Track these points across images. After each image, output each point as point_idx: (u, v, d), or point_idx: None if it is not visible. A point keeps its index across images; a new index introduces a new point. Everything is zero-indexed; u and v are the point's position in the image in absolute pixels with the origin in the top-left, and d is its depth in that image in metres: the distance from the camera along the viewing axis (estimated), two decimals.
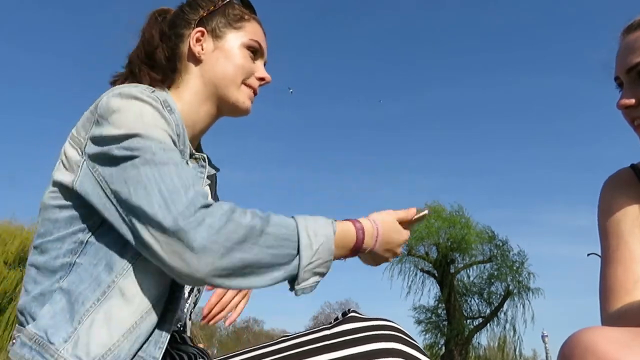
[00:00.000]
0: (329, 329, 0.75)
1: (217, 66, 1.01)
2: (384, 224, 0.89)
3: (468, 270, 18.95)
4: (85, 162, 0.83)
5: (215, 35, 1.03)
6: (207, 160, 0.98)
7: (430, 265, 18.80)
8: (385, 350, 0.70)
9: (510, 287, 18.09)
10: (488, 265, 18.77)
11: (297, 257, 0.76)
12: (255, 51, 1.05)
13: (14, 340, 0.83)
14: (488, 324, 18.17)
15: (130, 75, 1.02)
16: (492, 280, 18.60)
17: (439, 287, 18.55)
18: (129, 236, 0.77)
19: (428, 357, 0.73)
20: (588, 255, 17.58)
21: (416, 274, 18.81)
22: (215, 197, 1.15)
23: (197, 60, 1.02)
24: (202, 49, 1.02)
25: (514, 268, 18.13)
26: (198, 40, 1.02)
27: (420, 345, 0.74)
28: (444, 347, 18.07)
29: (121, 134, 0.79)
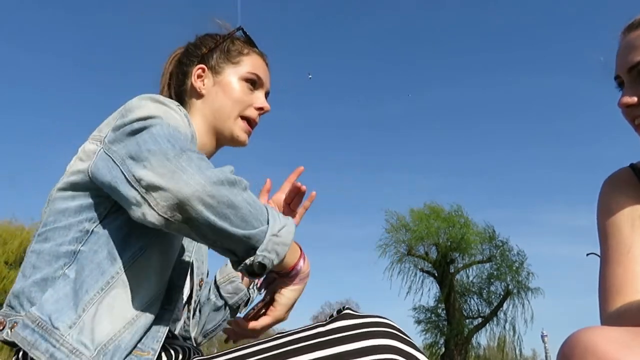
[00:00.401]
0: (323, 326, 0.75)
1: (216, 100, 1.08)
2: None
3: (468, 270, 18.98)
4: (102, 149, 0.87)
5: (215, 71, 1.11)
6: None
7: (430, 265, 18.81)
8: (380, 347, 0.71)
9: (510, 287, 18.11)
10: (488, 265, 18.80)
11: (267, 226, 0.77)
12: (253, 83, 1.11)
13: (3, 326, 0.82)
14: (488, 324, 18.18)
15: None
16: (492, 280, 18.62)
17: (438, 287, 18.57)
18: (127, 191, 0.76)
19: (423, 354, 0.73)
20: (587, 255, 17.60)
21: (416, 274, 18.85)
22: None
23: (199, 95, 1.10)
24: (203, 85, 1.10)
25: (514, 268, 18.14)
26: (200, 76, 1.11)
27: (420, 345, 0.74)
28: (443, 347, 18.08)
29: (143, 115, 0.85)
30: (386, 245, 18.71)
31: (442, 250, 18.37)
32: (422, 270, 18.83)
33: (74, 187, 0.91)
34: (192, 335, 1.12)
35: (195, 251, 1.06)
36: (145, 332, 0.83)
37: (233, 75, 1.10)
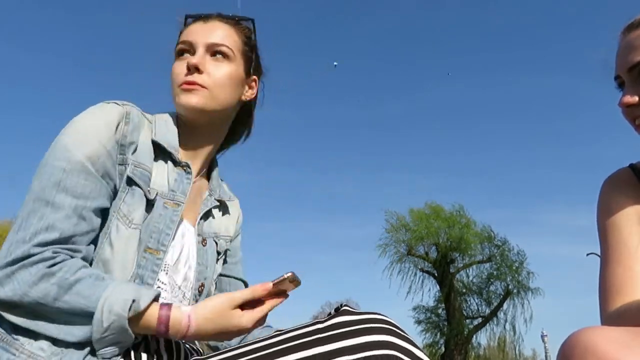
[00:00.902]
0: (321, 323, 0.75)
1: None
2: (206, 323, 0.85)
3: (468, 270, 18.99)
4: None
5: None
6: (191, 166, 1.03)
7: (430, 265, 18.81)
8: (378, 343, 0.71)
9: (510, 287, 18.12)
10: (487, 265, 18.80)
11: (90, 325, 0.79)
12: (181, 52, 1.06)
13: None
14: (487, 324, 18.19)
15: None
16: (492, 280, 18.63)
17: (438, 287, 18.57)
18: None
19: (420, 350, 0.73)
20: (587, 255, 17.60)
21: (416, 274, 18.85)
22: (235, 231, 1.20)
23: None
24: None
25: (514, 268, 18.14)
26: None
27: (420, 345, 0.74)
28: (443, 347, 18.08)
29: (55, 141, 0.88)
30: (386, 245, 18.74)
31: (442, 250, 18.37)
32: (422, 270, 18.84)
33: None
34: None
35: (198, 255, 1.04)
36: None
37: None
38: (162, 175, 0.98)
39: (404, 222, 18.85)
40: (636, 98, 0.95)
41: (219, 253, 1.13)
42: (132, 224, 0.91)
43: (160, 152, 0.99)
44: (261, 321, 0.90)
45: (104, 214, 0.90)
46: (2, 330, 0.81)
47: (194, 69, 1.02)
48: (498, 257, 18.57)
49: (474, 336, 18.28)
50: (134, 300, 0.80)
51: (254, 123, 1.22)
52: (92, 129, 0.89)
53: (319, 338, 0.73)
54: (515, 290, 18.00)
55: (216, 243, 1.11)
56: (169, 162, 1.01)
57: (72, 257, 0.83)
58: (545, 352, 22.46)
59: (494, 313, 18.12)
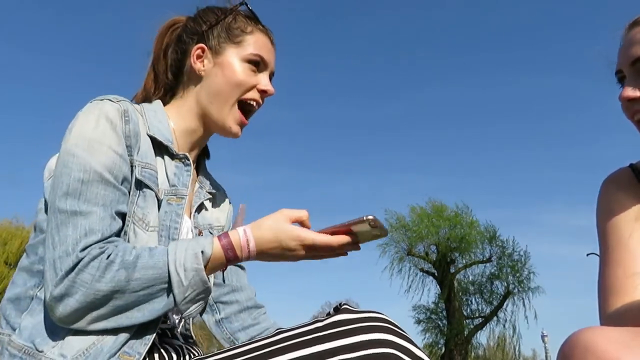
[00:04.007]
0: (321, 321, 0.76)
1: (215, 83, 1.03)
2: (261, 232, 0.88)
3: (468, 270, 18.97)
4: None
5: (215, 52, 1.05)
6: (189, 157, 1.02)
7: (430, 265, 18.80)
8: (377, 341, 0.71)
9: (510, 287, 18.10)
10: (488, 264, 18.78)
11: (172, 293, 0.81)
12: (257, 64, 1.05)
13: None
14: (488, 324, 18.18)
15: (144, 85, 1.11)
16: (492, 280, 18.61)
17: (439, 286, 18.56)
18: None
19: (419, 348, 0.73)
20: (587, 255, 17.58)
21: (416, 274, 18.84)
22: (224, 219, 1.19)
23: (197, 77, 1.05)
24: (203, 66, 1.05)
25: (514, 268, 18.13)
26: (199, 57, 1.05)
27: (420, 345, 0.74)
28: (444, 347, 18.07)
29: (65, 149, 0.87)
30: (386, 245, 18.72)
31: (442, 250, 18.36)
32: (422, 270, 18.83)
33: (44, 199, 0.93)
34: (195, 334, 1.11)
35: None
36: (132, 336, 0.83)
37: (234, 56, 1.04)
38: (161, 170, 0.98)
39: (403, 223, 18.84)
40: (637, 92, 0.94)
41: None
42: (149, 227, 0.91)
43: (156, 146, 0.98)
44: (326, 248, 0.88)
45: (123, 218, 0.90)
46: (24, 343, 0.82)
47: (262, 97, 1.06)
48: (499, 257, 18.56)
49: (474, 336, 18.27)
50: (202, 252, 0.83)
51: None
52: (99, 134, 0.87)
53: (318, 336, 0.73)
54: (515, 290, 17.99)
55: (211, 234, 1.11)
56: (166, 155, 1.00)
57: (116, 245, 0.84)
58: (546, 352, 22.47)
59: (494, 313, 18.10)
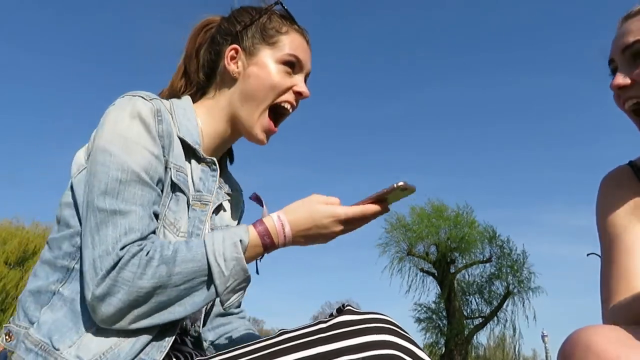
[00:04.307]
0: (324, 322, 0.76)
1: (249, 85, 1.01)
2: (295, 215, 0.88)
3: (468, 270, 18.95)
4: (85, 168, 0.89)
5: (250, 53, 1.03)
6: (216, 163, 1.01)
7: (430, 265, 18.79)
8: (379, 343, 0.71)
9: (511, 287, 18.09)
10: (488, 264, 18.77)
11: (213, 284, 0.81)
12: (292, 65, 1.03)
13: (8, 337, 0.85)
14: (488, 324, 18.17)
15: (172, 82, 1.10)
16: (493, 280, 18.60)
17: (439, 286, 18.55)
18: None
19: (422, 350, 0.74)
20: (588, 255, 17.60)
21: (416, 274, 18.83)
22: (237, 219, 1.18)
23: (231, 79, 1.03)
24: (237, 67, 1.03)
25: (515, 268, 18.12)
26: (232, 58, 1.03)
27: (420, 345, 0.75)
28: (444, 347, 18.06)
29: (101, 147, 0.85)
30: (386, 244, 18.72)
31: (442, 250, 18.35)
32: (422, 270, 18.82)
33: (69, 194, 0.91)
34: (207, 339, 1.10)
35: None
36: (150, 342, 0.82)
37: (269, 58, 1.02)
38: (188, 174, 0.96)
39: (403, 222, 18.83)
40: (628, 80, 0.94)
41: None
42: (179, 232, 0.90)
43: (185, 148, 0.96)
44: (360, 218, 0.89)
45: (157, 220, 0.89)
46: (42, 338, 0.81)
47: (297, 100, 1.05)
48: (499, 257, 18.55)
49: (474, 336, 18.26)
50: (241, 240, 0.83)
51: None
52: (134, 133, 0.86)
53: (321, 337, 0.73)
54: (515, 290, 17.98)
55: None
56: (193, 159, 0.98)
57: (153, 242, 0.83)
58: (546, 352, 22.47)
59: (494, 313, 18.09)
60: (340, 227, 0.89)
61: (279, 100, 1.02)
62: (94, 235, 0.80)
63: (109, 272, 0.77)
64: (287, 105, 1.04)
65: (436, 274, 18.61)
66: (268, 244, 0.87)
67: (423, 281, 18.84)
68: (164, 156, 0.90)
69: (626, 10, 1.01)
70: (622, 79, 0.95)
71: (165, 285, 0.78)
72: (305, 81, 1.06)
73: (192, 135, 0.97)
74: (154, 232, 0.85)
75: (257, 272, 0.94)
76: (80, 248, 0.84)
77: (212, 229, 1.03)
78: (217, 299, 0.84)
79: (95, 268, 0.78)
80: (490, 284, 18.66)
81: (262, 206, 0.97)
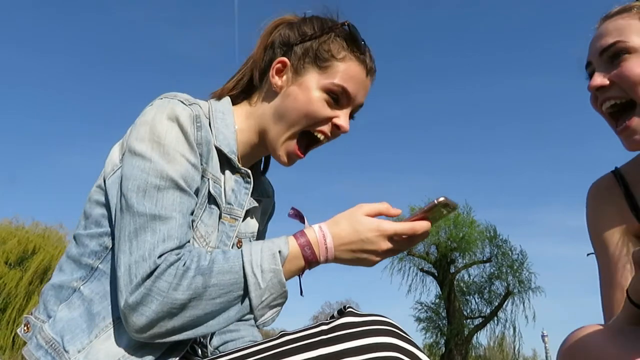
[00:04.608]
0: (326, 324, 0.75)
1: (285, 105, 0.95)
2: (338, 227, 0.83)
3: (468, 270, 18.96)
4: (120, 168, 0.86)
5: (297, 71, 0.97)
6: (251, 175, 0.96)
7: (430, 265, 18.79)
8: (381, 345, 0.70)
9: (511, 287, 18.09)
10: (488, 264, 18.77)
11: (248, 297, 0.77)
12: (337, 96, 0.95)
13: (26, 328, 0.85)
14: (488, 324, 18.17)
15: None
16: (493, 280, 18.60)
17: (439, 286, 18.55)
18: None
19: (422, 352, 0.73)
20: (588, 255, 17.51)
21: (416, 274, 18.83)
22: (263, 225, 1.13)
23: (273, 92, 0.98)
24: (280, 82, 0.97)
25: (514, 268, 18.11)
26: (279, 71, 0.98)
27: (420, 345, 0.74)
28: (444, 347, 18.06)
29: (138, 150, 0.82)
30: None
31: (442, 250, 18.34)
32: (422, 270, 18.82)
33: (100, 191, 0.90)
34: (211, 343, 1.08)
35: None
36: (160, 357, 0.81)
37: (314, 82, 0.95)
38: (222, 185, 0.92)
39: None
40: (606, 80, 0.94)
41: None
42: (208, 247, 0.88)
43: (219, 156, 0.92)
44: (409, 235, 0.83)
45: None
46: (54, 336, 0.80)
47: (334, 133, 0.98)
48: (499, 257, 18.54)
49: (474, 336, 18.26)
50: (280, 252, 0.79)
51: None
52: (173, 140, 0.83)
53: (323, 340, 0.73)
54: (515, 290, 17.98)
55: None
56: (227, 169, 0.94)
57: (190, 251, 0.80)
58: (546, 352, 22.45)
59: (494, 313, 18.09)
60: (387, 244, 0.83)
61: (312, 128, 0.96)
62: (132, 240, 0.77)
63: (144, 280, 0.74)
64: (321, 136, 0.98)
65: (436, 274, 18.60)
66: (310, 257, 0.81)
67: (423, 281, 18.86)
68: (202, 165, 0.87)
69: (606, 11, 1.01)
70: (600, 80, 0.94)
71: (201, 297, 0.75)
72: (353, 114, 1.00)
73: (228, 143, 0.93)
74: (189, 241, 0.83)
75: (301, 294, 0.88)
76: (113, 250, 0.83)
77: (235, 237, 0.98)
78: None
79: (130, 274, 0.75)
80: (490, 284, 18.66)
81: (304, 222, 0.91)
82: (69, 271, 0.87)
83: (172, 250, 0.77)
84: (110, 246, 0.85)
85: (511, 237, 19.01)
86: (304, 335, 0.75)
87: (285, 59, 0.98)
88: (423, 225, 0.84)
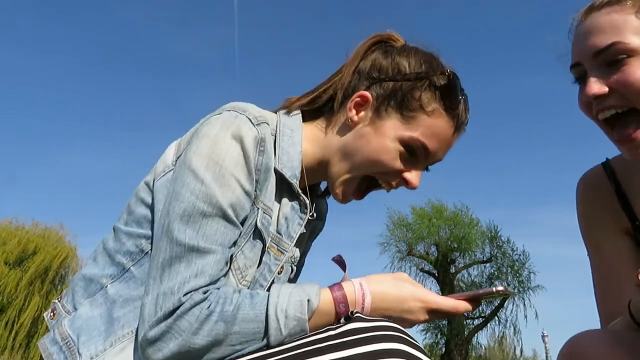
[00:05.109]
0: (333, 329, 0.74)
1: (356, 144, 0.89)
2: (381, 287, 0.79)
3: (468, 270, 18.98)
4: (172, 171, 0.84)
5: (377, 111, 0.89)
6: (308, 206, 0.91)
7: (431, 265, 18.81)
8: (388, 351, 0.70)
9: (511, 287, 18.11)
10: (488, 264, 18.80)
11: (267, 339, 0.74)
12: (414, 151, 0.88)
13: (52, 314, 0.85)
14: (488, 324, 18.19)
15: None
16: (493, 280, 18.61)
17: (439, 287, 18.56)
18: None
19: (430, 359, 0.73)
20: (588, 255, 17.54)
21: (416, 274, 18.83)
22: (306, 246, 1.07)
23: (346, 124, 0.91)
24: (356, 117, 0.90)
25: (515, 268, 18.14)
26: (358, 105, 0.90)
27: (421, 345, 0.74)
28: (444, 347, 18.07)
29: (193, 166, 0.79)
30: (386, 244, 18.73)
31: (442, 250, 18.36)
32: (422, 270, 18.83)
33: (146, 190, 0.87)
34: None
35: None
36: None
37: (393, 130, 0.87)
38: (275, 211, 0.88)
39: (404, 222, 18.84)
40: (605, 88, 0.82)
41: (290, 280, 0.99)
42: (243, 280, 0.84)
43: (278, 179, 0.87)
44: (445, 313, 0.81)
45: (230, 258, 0.82)
46: (70, 333, 0.80)
47: (399, 185, 0.92)
48: (499, 257, 18.56)
49: (475, 336, 18.28)
50: (308, 300, 0.75)
51: None
52: (231, 163, 0.79)
53: (331, 345, 0.72)
54: (516, 291, 17.99)
55: (292, 269, 0.99)
56: (285, 193, 0.89)
57: (218, 288, 0.76)
58: (546, 353, 22.45)
59: (494, 313, 18.11)
60: (425, 317, 0.80)
61: (378, 176, 0.91)
62: (165, 268, 0.74)
63: (166, 316, 0.72)
64: (386, 186, 0.92)
65: (436, 274, 18.62)
66: (342, 313, 0.77)
67: (423, 281, 18.85)
68: (255, 191, 0.83)
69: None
70: (598, 87, 0.82)
71: (220, 344, 0.73)
72: (427, 166, 0.93)
73: (292, 166, 0.87)
74: (224, 275, 0.80)
75: None
76: (148, 255, 0.82)
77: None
78: None
79: (156, 305, 0.73)
80: (490, 284, 18.67)
81: (344, 271, 0.87)
82: (102, 265, 0.86)
83: (200, 287, 0.74)
84: (147, 250, 0.83)
85: (511, 237, 19.02)
86: (312, 340, 0.74)
87: (367, 94, 0.90)
88: (466, 306, 0.82)
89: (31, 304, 17.49)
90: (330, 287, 0.79)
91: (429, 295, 0.80)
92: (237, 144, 0.80)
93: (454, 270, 18.59)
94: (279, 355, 0.74)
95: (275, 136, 0.88)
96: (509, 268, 18.24)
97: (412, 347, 0.72)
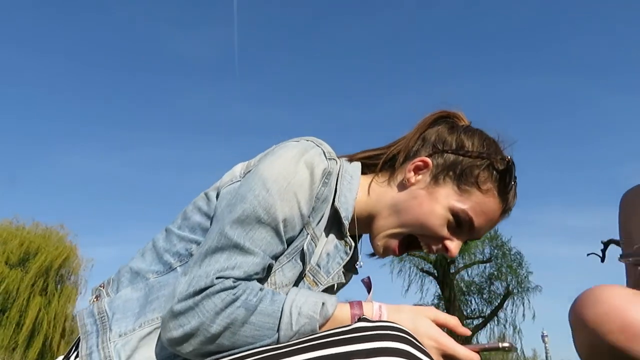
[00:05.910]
0: (337, 328, 0.76)
1: (408, 204, 0.93)
2: (398, 316, 0.81)
3: (468, 270, 18.99)
4: (239, 182, 0.89)
5: (435, 178, 0.93)
6: (352, 249, 0.93)
7: (430, 265, 18.82)
8: (390, 350, 0.70)
9: (511, 287, 18.12)
10: (488, 264, 18.80)
11: (277, 334, 0.77)
12: (460, 223, 0.92)
13: (95, 299, 0.88)
14: (488, 324, 18.20)
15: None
16: (492, 280, 18.64)
17: (439, 287, 18.57)
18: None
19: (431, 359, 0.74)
20: (588, 255, 17.53)
21: (416, 274, 18.85)
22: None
23: (402, 183, 0.95)
24: (413, 179, 0.94)
25: (514, 268, 18.15)
26: (418, 168, 0.94)
27: (424, 348, 0.75)
28: None
29: (265, 174, 0.83)
30: None
31: None
32: (422, 270, 18.84)
33: (206, 200, 0.92)
34: None
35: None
36: None
37: (446, 198, 0.91)
38: (320, 244, 0.91)
39: None
40: None
41: None
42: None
43: (332, 217, 0.91)
44: (455, 354, 0.82)
45: (268, 272, 0.85)
46: (107, 309, 0.82)
47: (438, 251, 0.96)
48: (499, 257, 18.57)
49: (475, 336, 18.27)
50: (323, 304, 0.78)
51: None
52: (297, 184, 0.84)
53: (332, 340, 0.73)
54: (515, 290, 18.01)
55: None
56: (334, 231, 0.93)
57: (247, 282, 0.80)
58: (546, 352, 22.43)
59: (494, 313, 18.12)
60: (440, 359, 0.81)
61: (421, 238, 0.94)
62: (207, 255, 0.79)
63: (196, 293, 0.75)
64: (426, 249, 0.96)
65: (436, 274, 18.62)
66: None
67: (423, 281, 18.87)
68: (309, 217, 0.87)
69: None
70: None
71: (234, 331, 0.76)
72: (467, 240, 0.97)
73: (347, 208, 0.91)
74: (259, 282, 0.82)
75: None
76: (191, 254, 0.86)
77: None
78: None
79: (189, 284, 0.76)
80: (490, 284, 18.69)
81: (369, 293, 0.91)
82: (150, 261, 0.90)
83: (234, 277, 0.78)
84: None
85: (511, 237, 19.01)
86: (317, 336, 0.76)
87: (429, 160, 0.94)
88: (476, 357, 0.84)
89: (32, 304, 17.49)
90: (350, 303, 0.82)
91: (445, 339, 0.81)
92: (307, 170, 0.85)
93: (453, 270, 18.60)
94: (280, 350, 0.75)
95: (338, 178, 0.91)
96: (508, 268, 18.24)
97: (415, 348, 0.72)
